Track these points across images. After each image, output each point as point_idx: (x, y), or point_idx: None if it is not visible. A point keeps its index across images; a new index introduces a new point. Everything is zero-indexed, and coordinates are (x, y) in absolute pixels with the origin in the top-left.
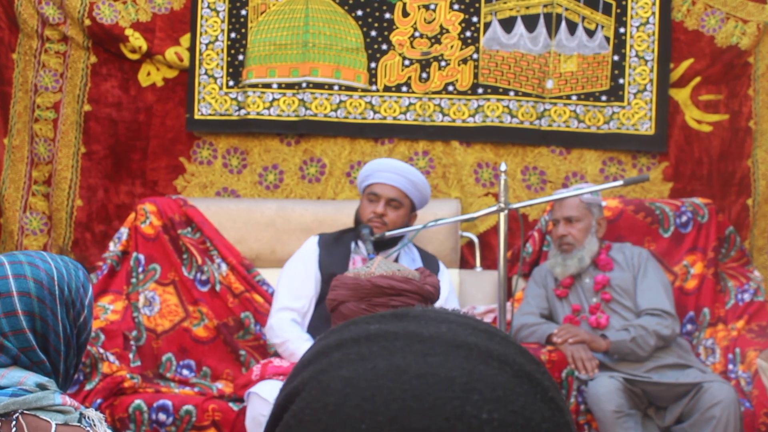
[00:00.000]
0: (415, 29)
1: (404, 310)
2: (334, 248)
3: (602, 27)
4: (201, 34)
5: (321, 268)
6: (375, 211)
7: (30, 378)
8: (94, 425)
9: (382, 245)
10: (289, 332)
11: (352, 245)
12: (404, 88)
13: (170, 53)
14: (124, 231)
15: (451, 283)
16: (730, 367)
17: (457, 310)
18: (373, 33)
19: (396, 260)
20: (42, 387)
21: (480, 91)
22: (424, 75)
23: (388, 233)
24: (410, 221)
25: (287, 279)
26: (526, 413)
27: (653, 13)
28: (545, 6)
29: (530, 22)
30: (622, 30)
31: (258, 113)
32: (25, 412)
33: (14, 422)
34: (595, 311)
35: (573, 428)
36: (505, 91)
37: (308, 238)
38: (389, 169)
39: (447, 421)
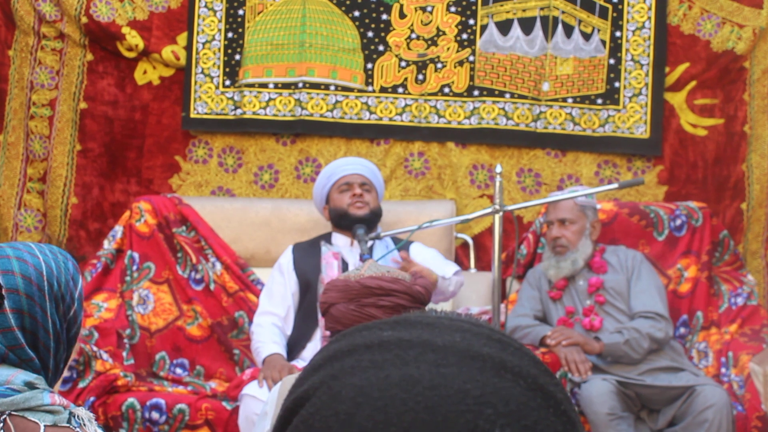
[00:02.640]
0: (412, 31)
1: (418, 317)
2: (307, 252)
3: (598, 30)
4: (198, 33)
5: (297, 274)
6: (354, 193)
7: (18, 376)
8: (84, 425)
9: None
10: (264, 335)
11: (322, 243)
12: (400, 90)
13: (167, 52)
14: (118, 229)
15: (432, 249)
16: (723, 370)
17: (471, 317)
18: (370, 34)
19: (370, 250)
20: (30, 385)
21: (476, 93)
22: (421, 76)
23: (383, 233)
24: (380, 209)
25: (268, 287)
26: (539, 428)
27: (649, 18)
28: (542, 9)
29: (527, 25)
30: (618, 34)
31: (254, 113)
32: (12, 413)
33: (2, 424)
34: (589, 313)
35: None
36: (501, 94)
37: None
38: (349, 162)
39: None
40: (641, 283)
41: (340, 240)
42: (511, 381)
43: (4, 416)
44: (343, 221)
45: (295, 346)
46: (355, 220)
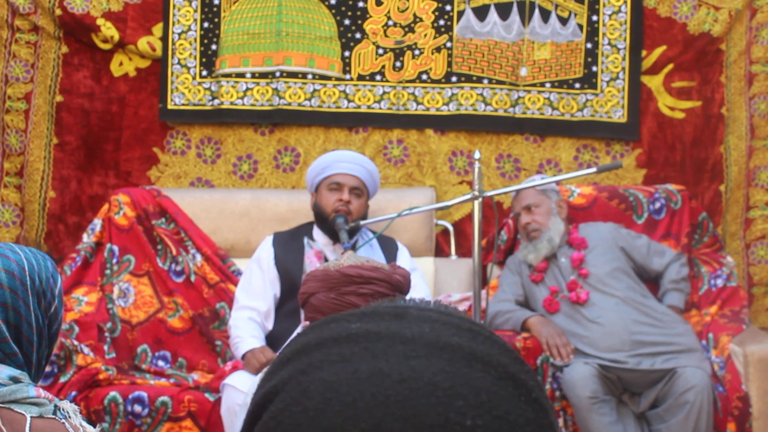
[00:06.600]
0: (389, 18)
1: (386, 307)
2: (289, 245)
3: (575, 15)
4: (174, 24)
5: (278, 266)
6: (341, 198)
7: (3, 371)
8: (69, 417)
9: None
10: (242, 329)
11: (305, 240)
12: (378, 77)
13: (142, 43)
14: (97, 222)
15: (413, 260)
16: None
17: (440, 306)
18: (347, 22)
19: (353, 245)
20: (15, 380)
21: (454, 79)
22: (398, 64)
23: (362, 221)
24: (366, 211)
25: (245, 281)
26: (510, 417)
27: (625, 2)
28: None
29: (503, 10)
30: (594, 18)
31: (231, 103)
32: None
33: None
34: (575, 287)
35: (556, 428)
36: (479, 79)
37: (264, 239)
38: (348, 159)
39: (431, 428)
40: (641, 240)
41: (321, 238)
42: (482, 371)
43: None
44: (323, 224)
45: (276, 342)
46: (339, 227)
